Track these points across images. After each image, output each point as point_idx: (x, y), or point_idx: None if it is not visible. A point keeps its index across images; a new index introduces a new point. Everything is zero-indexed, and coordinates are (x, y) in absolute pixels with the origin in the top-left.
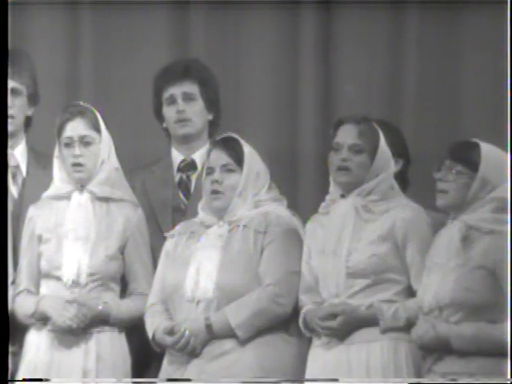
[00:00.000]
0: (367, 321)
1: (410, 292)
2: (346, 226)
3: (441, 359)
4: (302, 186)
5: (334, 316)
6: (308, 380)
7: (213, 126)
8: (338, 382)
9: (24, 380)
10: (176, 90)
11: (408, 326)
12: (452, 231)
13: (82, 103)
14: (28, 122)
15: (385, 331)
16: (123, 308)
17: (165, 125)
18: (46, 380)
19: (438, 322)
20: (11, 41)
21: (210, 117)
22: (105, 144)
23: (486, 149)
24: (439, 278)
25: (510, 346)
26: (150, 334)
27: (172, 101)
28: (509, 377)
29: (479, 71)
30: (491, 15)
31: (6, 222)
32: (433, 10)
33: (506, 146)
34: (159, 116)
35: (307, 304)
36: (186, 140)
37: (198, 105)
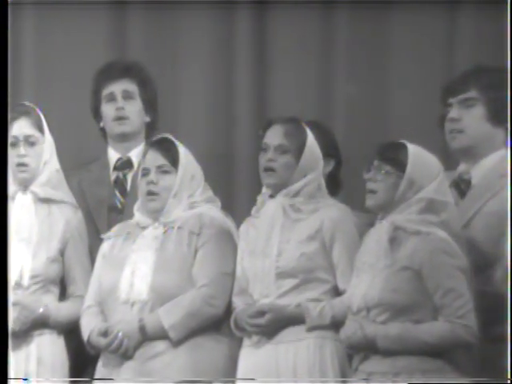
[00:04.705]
0: (295, 319)
1: (337, 291)
2: (275, 227)
3: (367, 358)
4: (236, 187)
5: (262, 313)
6: (243, 379)
7: (150, 129)
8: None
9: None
10: (116, 88)
11: (333, 323)
12: (380, 232)
13: (27, 103)
14: None
15: (311, 329)
16: (62, 311)
17: (102, 124)
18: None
19: (366, 322)
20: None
21: (148, 119)
22: (48, 145)
23: (413, 150)
24: (368, 279)
25: (510, 346)
26: (85, 337)
27: (111, 98)
28: (509, 376)
29: (408, 72)
30: (419, 14)
31: (5, 222)
32: (362, 9)
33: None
34: (96, 114)
35: (240, 306)
36: (123, 139)
37: (137, 104)
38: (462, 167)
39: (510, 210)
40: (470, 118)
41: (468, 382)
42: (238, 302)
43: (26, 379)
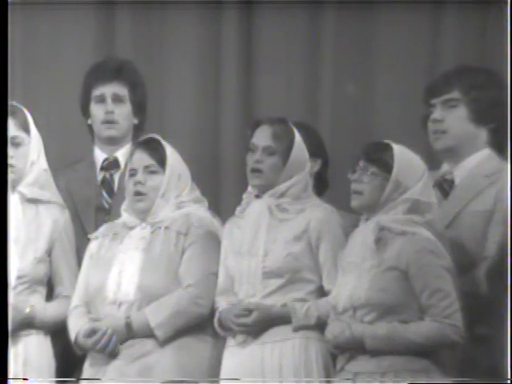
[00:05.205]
0: (280, 319)
1: (322, 291)
2: (261, 226)
3: (353, 358)
4: (223, 186)
5: (248, 313)
6: (228, 379)
7: (137, 130)
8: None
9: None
10: (106, 90)
11: (319, 324)
12: (366, 232)
13: (13, 103)
14: None
15: (297, 329)
16: (49, 311)
17: (90, 121)
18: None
19: (353, 322)
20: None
21: (136, 121)
22: (34, 145)
23: (398, 150)
24: (354, 279)
25: (510, 346)
26: (72, 337)
27: (101, 99)
28: (509, 376)
29: (394, 72)
30: (405, 15)
31: (5, 222)
32: (348, 10)
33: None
34: (85, 112)
35: (223, 305)
36: (110, 141)
37: (126, 108)
38: (445, 167)
39: (511, 210)
40: (452, 119)
41: (469, 382)
42: (221, 302)
43: (25, 379)
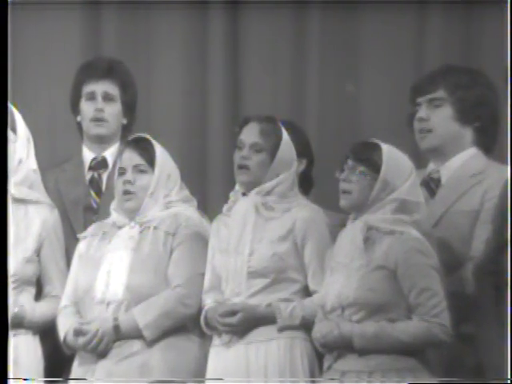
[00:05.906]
0: (266, 319)
1: (308, 291)
2: (247, 224)
3: (341, 357)
4: (210, 185)
5: (233, 313)
6: (213, 379)
7: (126, 130)
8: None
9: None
10: (98, 88)
11: (304, 324)
12: (354, 231)
13: None
14: None
15: (282, 329)
16: (38, 311)
17: (79, 119)
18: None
19: (342, 321)
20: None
21: (125, 121)
22: (21, 143)
23: (387, 150)
24: (343, 278)
25: (510, 345)
26: (61, 337)
27: (92, 97)
28: (509, 376)
29: (379, 71)
30: (390, 14)
31: (6, 222)
32: (334, 9)
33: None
34: (75, 109)
35: (209, 304)
36: (99, 140)
37: (117, 107)
38: (431, 166)
39: (510, 210)
40: (438, 118)
41: (469, 382)
42: (208, 300)
43: (26, 379)
